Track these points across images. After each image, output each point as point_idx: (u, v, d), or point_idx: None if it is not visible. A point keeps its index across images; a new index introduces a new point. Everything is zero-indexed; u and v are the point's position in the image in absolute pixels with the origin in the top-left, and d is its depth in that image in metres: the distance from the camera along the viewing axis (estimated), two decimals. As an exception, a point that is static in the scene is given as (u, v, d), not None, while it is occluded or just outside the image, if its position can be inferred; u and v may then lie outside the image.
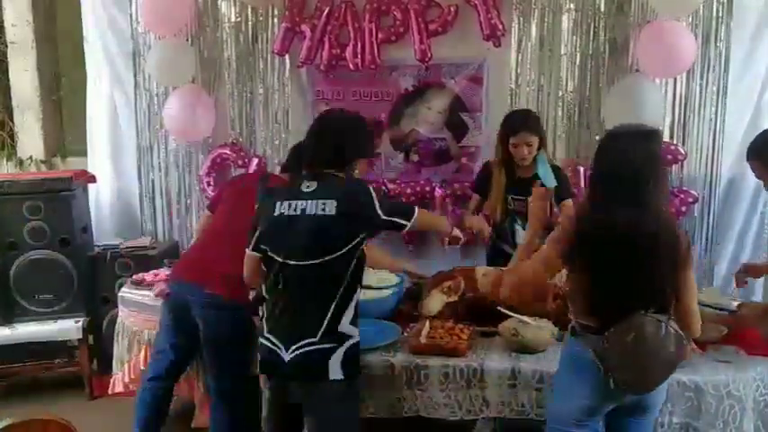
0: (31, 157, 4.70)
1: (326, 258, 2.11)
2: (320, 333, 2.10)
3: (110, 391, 3.41)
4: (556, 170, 2.93)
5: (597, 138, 3.62)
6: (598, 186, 2.02)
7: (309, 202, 2.14)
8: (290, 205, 2.16)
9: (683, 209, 3.48)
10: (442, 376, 2.35)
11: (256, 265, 2.27)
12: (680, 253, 1.94)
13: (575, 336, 2.06)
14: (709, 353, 2.37)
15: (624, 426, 2.10)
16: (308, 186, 2.18)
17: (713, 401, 2.21)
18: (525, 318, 2.47)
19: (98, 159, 4.30)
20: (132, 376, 3.30)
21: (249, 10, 3.95)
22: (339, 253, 2.11)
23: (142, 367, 3.24)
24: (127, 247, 3.96)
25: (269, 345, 2.17)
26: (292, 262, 2.14)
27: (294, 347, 2.12)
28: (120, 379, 3.33)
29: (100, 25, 4.16)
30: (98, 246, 4.03)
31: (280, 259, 2.16)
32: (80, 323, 3.77)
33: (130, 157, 4.25)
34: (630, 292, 1.93)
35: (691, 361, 2.28)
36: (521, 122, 2.99)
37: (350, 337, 2.16)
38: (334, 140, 2.24)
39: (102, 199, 4.32)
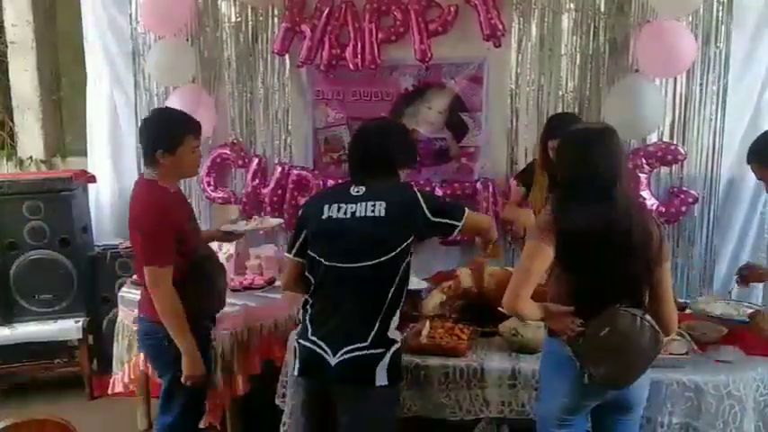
0: (31, 157, 4.70)
1: (378, 261, 2.08)
2: (370, 338, 2.08)
3: (110, 391, 3.41)
4: None
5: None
6: (565, 189, 2.04)
7: (359, 204, 2.12)
8: (338, 208, 2.14)
9: (683, 209, 3.48)
10: (441, 376, 2.35)
11: (298, 272, 2.24)
12: (652, 249, 1.97)
13: (552, 335, 2.07)
14: (709, 353, 2.38)
15: (610, 425, 2.11)
16: (357, 191, 2.16)
17: (713, 401, 2.21)
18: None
19: (98, 159, 4.30)
20: (132, 376, 3.31)
21: (249, 10, 3.94)
22: (390, 255, 2.09)
23: (142, 367, 3.24)
24: (127, 248, 3.95)
25: (313, 348, 2.13)
26: (342, 264, 2.11)
27: (342, 352, 2.08)
28: (119, 379, 3.34)
29: (100, 25, 4.16)
30: (98, 246, 4.03)
31: (328, 263, 2.13)
32: (80, 323, 3.78)
33: (130, 157, 4.24)
34: (605, 289, 1.95)
35: (691, 361, 2.29)
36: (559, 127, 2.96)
37: (395, 342, 2.15)
38: (381, 152, 2.21)
39: (102, 199, 4.32)
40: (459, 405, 2.36)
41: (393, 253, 2.09)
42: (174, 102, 3.85)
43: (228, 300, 3.26)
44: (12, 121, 4.75)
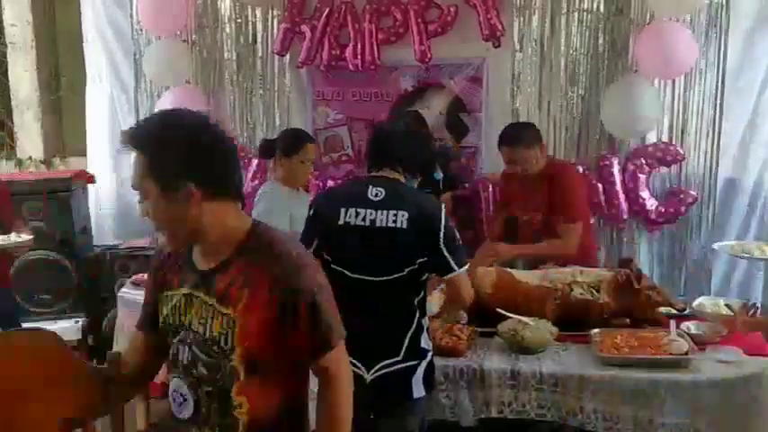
0: (30, 158, 4.70)
1: (405, 272, 2.02)
2: (403, 351, 2.04)
3: (110, 391, 3.41)
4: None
5: (597, 138, 3.64)
6: None
7: (379, 212, 2.02)
8: (356, 213, 2.03)
9: (682, 209, 3.49)
10: (441, 376, 2.35)
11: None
12: None
13: None
14: (709, 353, 2.38)
15: None
16: (376, 194, 2.05)
17: (713, 401, 2.21)
18: (525, 318, 2.48)
19: (98, 159, 4.31)
20: (132, 376, 3.30)
21: (249, 10, 3.95)
22: (415, 266, 2.02)
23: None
24: (126, 248, 3.96)
25: None
26: (369, 278, 2.03)
27: (377, 367, 2.03)
28: (119, 379, 3.33)
29: (100, 25, 4.17)
30: (98, 246, 4.03)
31: (352, 275, 2.04)
32: (80, 323, 3.77)
33: (130, 157, 4.23)
34: None
35: (690, 361, 2.29)
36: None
37: (428, 351, 2.11)
38: (403, 152, 2.15)
39: (102, 199, 4.32)
40: (459, 405, 2.36)
41: (417, 264, 2.02)
42: (166, 102, 3.85)
43: (228, 300, 3.27)
44: (11, 121, 4.75)
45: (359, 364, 2.00)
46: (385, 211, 2.02)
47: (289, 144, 2.98)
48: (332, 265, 2.04)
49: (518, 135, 3.00)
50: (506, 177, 3.25)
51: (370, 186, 2.07)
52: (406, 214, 2.01)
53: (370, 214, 2.02)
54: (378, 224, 2.01)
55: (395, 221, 2.00)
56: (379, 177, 2.11)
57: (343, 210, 2.04)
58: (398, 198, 2.04)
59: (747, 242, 3.05)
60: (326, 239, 2.07)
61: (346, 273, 2.04)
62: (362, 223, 2.02)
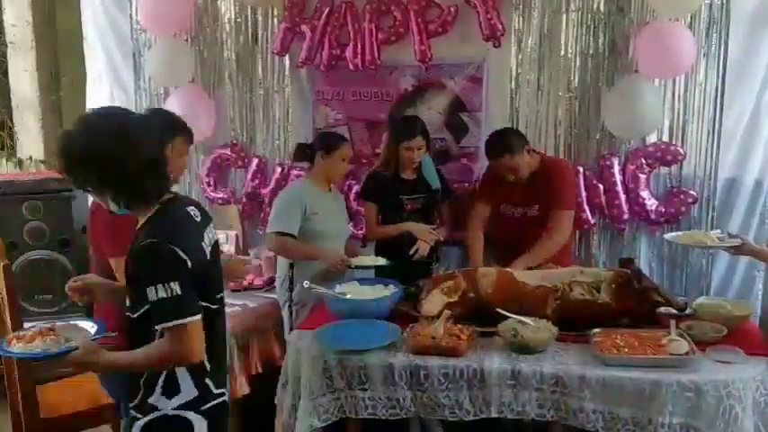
0: (30, 158, 4.70)
1: None
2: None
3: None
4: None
5: (597, 138, 3.64)
6: None
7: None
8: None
9: (683, 209, 3.48)
10: (441, 376, 2.35)
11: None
12: None
13: None
14: (709, 353, 2.38)
15: None
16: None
17: (713, 401, 2.21)
18: (525, 318, 2.48)
19: (98, 159, 4.30)
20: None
21: (249, 10, 3.94)
22: None
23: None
24: (126, 248, 3.95)
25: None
26: None
27: None
28: (119, 379, 3.33)
29: (100, 25, 4.16)
30: (98, 246, 4.03)
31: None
32: (80, 323, 3.77)
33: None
34: None
35: (691, 361, 2.29)
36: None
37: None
38: None
39: (101, 199, 4.32)
40: (458, 405, 2.36)
41: None
42: (172, 102, 3.86)
43: (228, 300, 3.27)
44: (11, 121, 4.75)
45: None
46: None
47: (330, 143, 3.25)
48: None
49: (500, 146, 3.13)
50: (493, 176, 3.27)
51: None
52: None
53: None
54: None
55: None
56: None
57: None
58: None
59: (695, 232, 3.14)
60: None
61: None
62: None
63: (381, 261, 3.19)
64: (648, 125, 3.42)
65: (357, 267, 3.15)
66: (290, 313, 3.20)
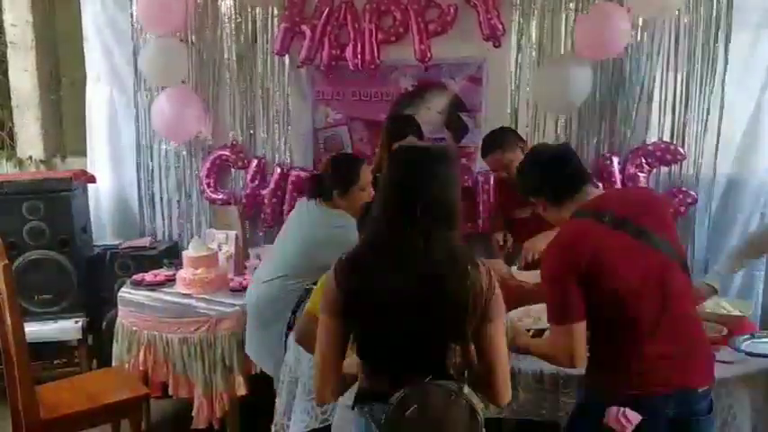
0: (30, 157, 4.69)
1: None
2: None
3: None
4: None
5: (597, 137, 3.63)
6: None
7: None
8: None
9: (682, 209, 3.48)
10: (441, 376, 2.34)
11: None
12: (471, 305, 1.57)
13: (359, 402, 1.67)
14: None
15: None
16: None
17: (713, 401, 2.21)
18: (535, 306, 2.47)
19: (98, 159, 4.31)
20: (132, 376, 3.30)
21: (249, 10, 3.94)
22: None
23: (141, 367, 3.24)
24: (126, 248, 3.96)
25: None
26: None
27: None
28: (119, 379, 3.33)
29: (99, 25, 4.16)
30: (98, 246, 4.03)
31: None
32: (80, 323, 3.77)
33: (130, 156, 4.25)
34: (404, 350, 1.60)
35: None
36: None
37: None
38: None
39: (101, 199, 4.32)
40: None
41: None
42: (162, 102, 3.85)
43: (228, 300, 3.28)
44: (11, 121, 4.75)
45: None
46: None
47: (343, 178, 2.70)
48: None
49: (492, 142, 3.10)
50: (499, 183, 3.29)
51: None
52: None
53: None
54: None
55: None
56: None
57: None
58: None
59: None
60: None
61: None
62: None
63: None
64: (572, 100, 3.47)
65: None
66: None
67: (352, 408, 1.68)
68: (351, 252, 1.65)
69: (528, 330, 2.28)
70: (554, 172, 1.98)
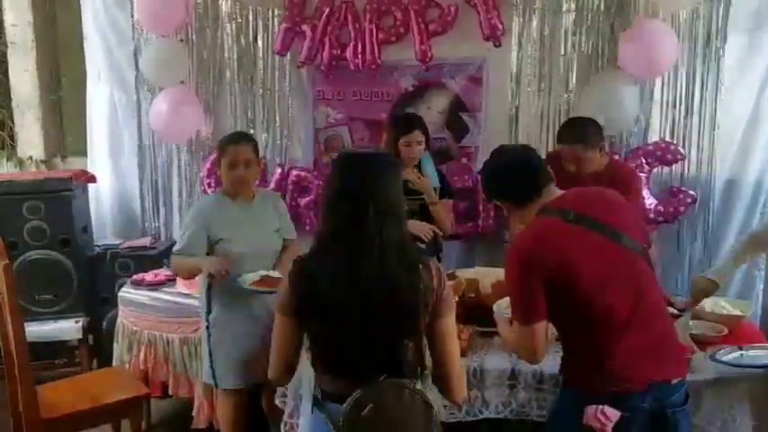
0: (31, 157, 4.70)
1: None
2: None
3: (110, 391, 3.41)
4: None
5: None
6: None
7: None
8: None
9: (682, 209, 3.49)
10: (442, 376, 2.35)
11: None
12: (421, 301, 1.62)
13: (318, 405, 1.71)
14: (709, 353, 2.38)
15: None
16: None
17: (712, 401, 2.21)
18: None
19: (98, 159, 4.31)
20: (132, 376, 3.30)
21: (249, 10, 3.94)
22: None
23: (141, 367, 3.25)
24: (127, 247, 3.96)
25: None
26: None
27: None
28: (120, 379, 3.33)
29: (100, 25, 4.16)
30: (98, 246, 4.03)
31: None
32: (80, 323, 3.77)
33: (130, 156, 4.25)
34: (358, 350, 1.63)
35: (690, 361, 2.29)
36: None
37: None
38: None
39: (102, 199, 4.33)
40: (458, 405, 2.36)
41: None
42: (159, 102, 3.85)
43: (228, 300, 3.27)
44: (12, 121, 4.75)
45: None
46: None
47: (220, 145, 2.83)
48: None
49: (574, 135, 2.86)
50: (558, 173, 3.18)
51: None
52: None
53: None
54: None
55: None
56: None
57: None
58: None
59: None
60: None
61: None
62: None
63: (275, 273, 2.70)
64: (622, 122, 3.44)
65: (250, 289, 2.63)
66: (208, 335, 2.81)
67: (311, 411, 1.72)
68: (303, 255, 1.71)
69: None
70: (517, 175, 1.97)
